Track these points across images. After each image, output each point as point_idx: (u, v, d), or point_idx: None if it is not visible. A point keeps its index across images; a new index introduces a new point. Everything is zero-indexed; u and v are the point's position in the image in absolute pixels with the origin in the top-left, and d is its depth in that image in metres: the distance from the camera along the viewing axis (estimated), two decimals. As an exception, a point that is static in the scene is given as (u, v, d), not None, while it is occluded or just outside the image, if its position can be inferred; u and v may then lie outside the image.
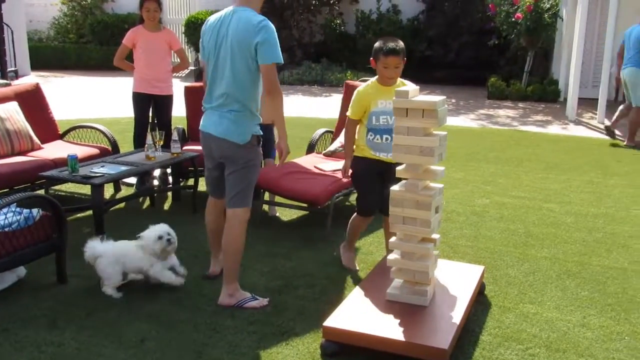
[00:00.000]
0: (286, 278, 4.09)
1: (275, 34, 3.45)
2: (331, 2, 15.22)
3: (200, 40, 3.71)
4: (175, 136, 5.22)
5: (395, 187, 3.35)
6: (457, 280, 3.70)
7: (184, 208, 5.51)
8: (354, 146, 4.02)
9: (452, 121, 10.00)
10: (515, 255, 4.55)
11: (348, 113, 3.97)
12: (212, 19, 3.65)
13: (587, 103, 11.50)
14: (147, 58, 5.95)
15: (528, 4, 11.45)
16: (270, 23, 3.44)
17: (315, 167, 5.26)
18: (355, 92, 3.94)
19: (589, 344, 3.36)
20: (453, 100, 12.33)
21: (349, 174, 4.08)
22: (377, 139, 3.90)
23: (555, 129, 9.76)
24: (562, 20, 12.10)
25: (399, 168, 3.36)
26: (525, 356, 3.23)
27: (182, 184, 5.81)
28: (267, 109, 3.59)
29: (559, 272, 4.28)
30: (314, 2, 15.12)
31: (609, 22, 9.89)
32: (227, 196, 3.65)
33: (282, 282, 4.04)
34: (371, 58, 3.87)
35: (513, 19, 11.84)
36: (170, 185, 5.76)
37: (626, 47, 8.67)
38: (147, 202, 5.70)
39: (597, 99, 10.29)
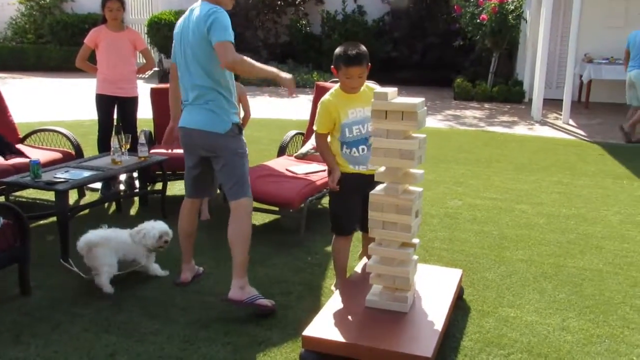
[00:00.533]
0: (261, 285, 3.97)
1: (227, 18, 3.40)
2: (296, 2, 15.13)
3: (173, 43, 3.73)
4: (142, 139, 5.05)
5: (374, 191, 3.26)
6: (435, 284, 3.63)
7: (152, 213, 5.33)
8: None
9: (420, 122, 9.98)
10: (491, 258, 4.52)
11: (315, 127, 3.61)
12: (180, 20, 3.70)
13: (552, 104, 11.62)
14: (111, 59, 5.77)
15: (493, 5, 11.53)
16: (223, 10, 3.44)
17: (287, 170, 5.16)
18: (320, 103, 3.59)
19: (569, 347, 3.33)
20: (420, 101, 12.34)
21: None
22: (354, 152, 3.58)
23: (521, 129, 9.83)
24: (526, 21, 12.22)
25: (378, 171, 3.27)
26: (507, 362, 3.18)
27: (149, 188, 5.63)
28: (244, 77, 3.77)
29: (535, 274, 4.25)
30: (279, 2, 15.00)
31: (572, 24, 10.01)
32: (225, 189, 3.65)
33: (259, 290, 3.91)
34: (332, 66, 3.55)
35: (478, 21, 11.91)
36: (137, 190, 5.59)
37: (632, 50, 9.00)
38: (113, 208, 5.52)
39: (562, 100, 10.41)
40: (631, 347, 3.36)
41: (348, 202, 3.66)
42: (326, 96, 3.61)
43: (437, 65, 14.07)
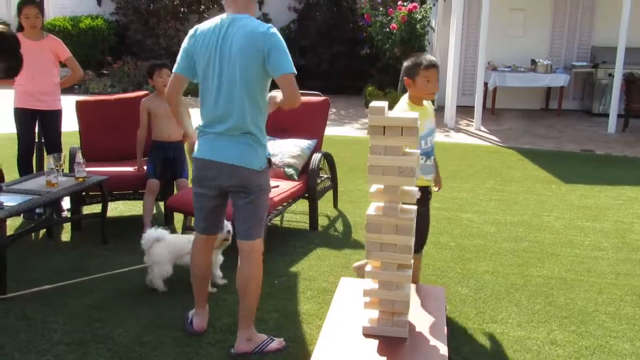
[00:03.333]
0: (232, 314, 3.67)
1: (284, 42, 3.09)
2: (200, 9, 14.67)
3: (185, 49, 3.21)
4: (79, 158, 4.58)
5: (370, 211, 3.08)
6: (424, 304, 3.50)
7: (88, 238, 4.87)
8: None
9: (339, 131, 9.92)
10: (457, 271, 4.45)
11: None
12: (203, 27, 3.18)
13: (460, 110, 11.88)
14: (31, 69, 5.19)
15: (402, 15, 11.69)
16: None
17: (237, 187, 4.85)
18: None
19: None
20: (334, 110, 12.29)
21: None
22: (427, 161, 3.63)
23: (438, 136, 9.98)
24: (433, 30, 12.50)
25: (372, 190, 3.09)
26: (510, 382, 3.09)
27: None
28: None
29: (505, 286, 4.23)
30: (181, 9, 14.49)
31: (481, 33, 10.33)
32: (243, 227, 3.21)
33: (229, 320, 3.62)
34: (405, 77, 3.54)
35: (388, 30, 12.03)
36: (65, 214, 5.07)
37: None
38: (42, 234, 4.97)
39: (469, 107, 10.71)
40: (621, 357, 3.37)
41: (427, 219, 3.74)
42: (404, 109, 3.54)
43: (346, 73, 14.11)
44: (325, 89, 13.98)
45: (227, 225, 3.83)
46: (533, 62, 12.12)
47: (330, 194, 5.77)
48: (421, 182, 3.49)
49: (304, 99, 5.61)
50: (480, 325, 3.66)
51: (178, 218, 5.16)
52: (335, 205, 5.81)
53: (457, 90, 12.45)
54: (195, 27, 3.22)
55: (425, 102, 3.62)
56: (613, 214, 5.96)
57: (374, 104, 2.98)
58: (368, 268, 3.14)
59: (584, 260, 4.73)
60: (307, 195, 5.17)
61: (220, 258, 4.08)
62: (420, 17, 11.94)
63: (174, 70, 3.26)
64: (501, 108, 12.39)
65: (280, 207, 4.74)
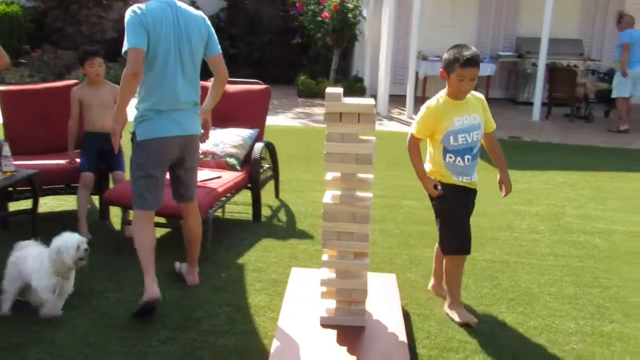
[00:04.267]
0: (182, 310, 3.55)
1: None
2: (125, -4, 14.17)
3: (141, 23, 3.26)
4: (5, 151, 4.30)
5: (327, 200, 3.02)
6: (377, 292, 3.48)
7: (17, 237, 4.58)
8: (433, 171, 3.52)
9: (274, 121, 9.79)
10: (404, 258, 4.47)
11: (413, 130, 3.46)
12: (149, 8, 3.30)
13: (391, 99, 12.01)
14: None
15: (335, 4, 11.68)
16: None
17: (179, 178, 4.69)
18: (425, 108, 3.42)
19: (517, 343, 3.36)
20: (265, 99, 12.17)
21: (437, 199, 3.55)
22: (459, 161, 3.39)
23: (372, 125, 10.04)
24: (365, 19, 12.55)
25: (327, 178, 3.04)
26: (467, 366, 3.12)
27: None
28: (215, 96, 3.75)
29: (452, 271, 4.27)
30: (105, -4, 13.95)
31: (413, 23, 10.46)
32: (190, 189, 3.72)
33: (180, 316, 3.49)
34: (441, 69, 3.40)
35: (320, 19, 11.99)
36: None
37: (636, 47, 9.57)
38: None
39: (399, 95, 10.82)
40: (567, 336, 3.47)
41: (464, 218, 3.51)
42: (432, 102, 3.43)
43: (277, 63, 13.99)
44: (256, 78, 13.83)
45: (83, 242, 3.43)
46: (461, 51, 12.36)
47: (271, 184, 5.68)
48: (447, 179, 3.43)
49: (245, 87, 5.53)
50: (433, 311, 3.68)
51: (114, 212, 4.95)
52: (276, 195, 5.73)
53: (389, 80, 12.56)
54: (137, 5, 3.31)
55: (470, 96, 3.38)
56: (545, 198, 6.15)
57: (330, 90, 2.92)
58: (324, 257, 3.09)
59: (523, 244, 4.85)
60: (249, 185, 5.06)
61: (70, 287, 3.51)
62: (352, 6, 11.97)
63: (133, 45, 3.26)
64: (430, 97, 12.59)
65: (224, 199, 4.62)
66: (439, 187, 3.43)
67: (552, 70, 11.02)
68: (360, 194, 3.07)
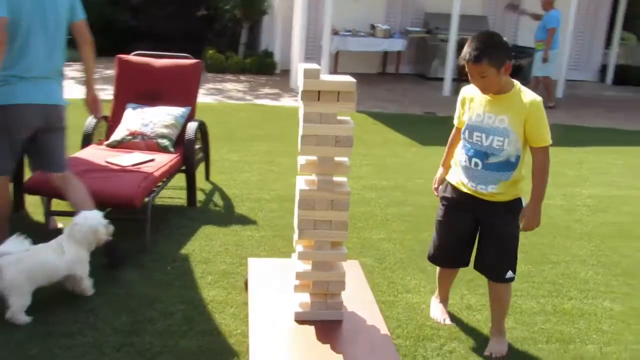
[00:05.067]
0: (130, 311, 3.21)
1: None
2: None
3: None
4: None
5: (302, 186, 2.78)
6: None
7: None
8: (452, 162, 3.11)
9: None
10: (354, 242, 4.31)
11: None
12: None
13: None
14: None
15: (244, -25, 11.25)
16: None
17: (108, 162, 4.27)
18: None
19: (487, 327, 3.28)
20: (172, 75, 11.59)
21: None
22: (465, 161, 2.93)
23: (288, 101, 9.79)
24: (274, -7, 12.20)
25: (301, 163, 2.79)
26: (446, 353, 3.01)
27: None
28: (89, 62, 3.71)
29: (405, 253, 4.17)
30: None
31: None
32: (59, 161, 3.62)
33: (129, 318, 3.14)
34: None
35: (228, -9, 11.54)
36: None
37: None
38: None
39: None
40: (532, 316, 3.45)
41: (448, 225, 3.08)
42: (468, 85, 2.97)
43: (181, 36, 13.36)
44: (160, 52, 13.17)
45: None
46: (372, 26, 12.33)
47: (200, 166, 5.32)
48: (450, 177, 3.08)
49: (173, 62, 5.11)
50: (396, 297, 3.55)
51: (31, 201, 4.44)
52: (207, 177, 5.39)
53: (303, 55, 12.33)
54: None
55: (519, 97, 2.80)
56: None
57: (308, 66, 2.66)
58: (299, 249, 2.85)
59: (468, 222, 4.81)
60: (183, 168, 4.70)
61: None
62: (261, -22, 11.59)
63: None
64: (342, 72, 12.48)
65: (161, 184, 4.25)
66: (440, 187, 3.17)
67: (462, 47, 11.16)
68: (337, 179, 2.84)
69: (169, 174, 4.40)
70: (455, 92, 11.37)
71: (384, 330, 2.84)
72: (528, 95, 2.79)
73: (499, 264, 2.97)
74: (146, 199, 3.95)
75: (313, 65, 2.67)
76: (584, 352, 3.09)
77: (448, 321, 3.30)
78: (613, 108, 10.84)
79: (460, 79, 11.42)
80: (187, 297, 3.40)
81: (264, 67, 12.32)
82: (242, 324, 3.12)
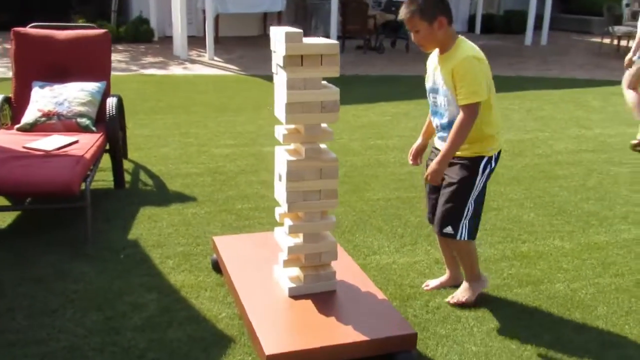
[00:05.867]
0: (99, 307, 2.94)
1: None
2: None
3: None
4: None
5: (288, 157, 2.64)
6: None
7: None
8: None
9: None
10: (303, 208, 4.22)
11: None
12: None
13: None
14: None
15: None
16: None
17: (27, 148, 3.85)
18: None
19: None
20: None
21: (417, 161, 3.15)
22: (435, 121, 2.93)
23: (177, 69, 9.38)
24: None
25: (283, 133, 2.65)
26: (434, 310, 3.03)
27: None
28: None
29: (358, 214, 4.15)
30: None
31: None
32: None
33: (100, 315, 2.88)
34: None
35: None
36: None
37: None
38: None
39: (190, 37, 10.23)
40: (496, 262, 3.56)
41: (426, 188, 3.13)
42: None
43: (42, 5, 12.32)
44: (19, 23, 12.01)
45: None
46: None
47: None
48: (434, 146, 3.01)
49: (80, 33, 4.68)
50: (365, 260, 3.53)
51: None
52: (125, 156, 5.03)
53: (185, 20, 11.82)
54: None
55: (455, 52, 2.72)
56: (389, 130, 6.28)
57: (289, 29, 2.50)
58: (289, 223, 2.73)
59: (402, 178, 4.88)
60: (107, 148, 4.36)
61: None
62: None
63: None
64: (223, 36, 12.11)
65: (92, 167, 3.90)
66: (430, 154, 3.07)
67: (345, 4, 11.21)
68: (323, 146, 2.73)
69: (98, 155, 4.05)
70: (342, 49, 11.52)
71: (380, 295, 2.81)
72: (460, 53, 2.70)
73: (440, 217, 2.92)
74: (86, 184, 3.62)
75: (295, 29, 2.52)
76: (556, 291, 3.23)
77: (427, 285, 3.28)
78: (489, 56, 11.36)
79: (344, 36, 11.48)
80: (154, 285, 3.16)
81: (140, 35, 11.70)
82: (225, 307, 2.96)
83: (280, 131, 2.69)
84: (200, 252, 3.53)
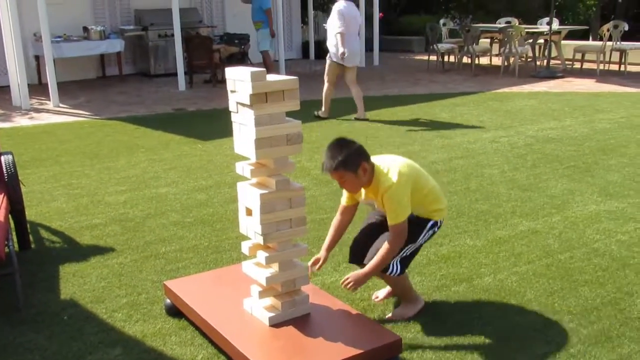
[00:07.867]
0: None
1: None
2: None
3: None
4: None
5: (260, 191, 2.74)
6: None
7: None
8: None
9: None
10: (225, 244, 4.26)
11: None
12: None
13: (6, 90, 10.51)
14: None
15: None
16: None
17: None
18: None
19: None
20: None
21: None
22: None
23: (23, 120, 8.78)
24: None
25: (248, 169, 2.75)
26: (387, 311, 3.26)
27: None
28: None
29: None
30: None
31: (38, 3, 9.37)
32: None
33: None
34: None
35: None
36: None
37: None
38: None
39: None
40: (470, 250, 3.87)
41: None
42: None
43: None
44: None
45: None
46: (85, 29, 11.61)
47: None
48: None
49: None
50: (311, 282, 3.65)
51: None
52: (16, 215, 4.71)
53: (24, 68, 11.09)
54: None
55: (380, 182, 2.96)
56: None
57: (254, 70, 2.62)
58: (264, 255, 2.80)
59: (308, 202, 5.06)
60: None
61: None
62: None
63: None
64: (61, 81, 11.49)
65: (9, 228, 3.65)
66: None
67: (188, 40, 11.22)
68: (287, 176, 2.86)
69: (7, 216, 3.79)
70: (190, 85, 11.49)
71: (352, 310, 2.98)
72: (381, 184, 2.95)
73: (374, 251, 3.07)
74: (11, 247, 3.39)
75: (259, 69, 2.64)
76: (487, 284, 3.59)
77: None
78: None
79: (192, 72, 11.48)
80: (114, 340, 3.06)
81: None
82: (199, 349, 2.95)
83: (244, 167, 2.77)
84: (145, 300, 3.45)
